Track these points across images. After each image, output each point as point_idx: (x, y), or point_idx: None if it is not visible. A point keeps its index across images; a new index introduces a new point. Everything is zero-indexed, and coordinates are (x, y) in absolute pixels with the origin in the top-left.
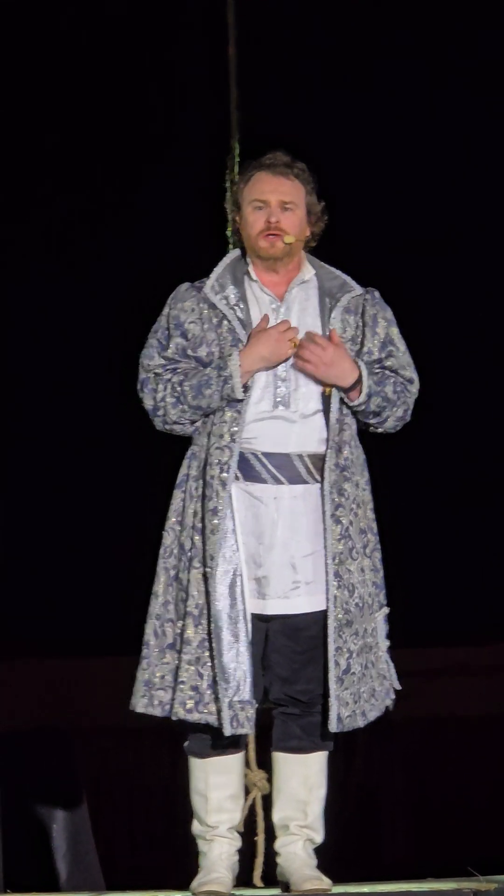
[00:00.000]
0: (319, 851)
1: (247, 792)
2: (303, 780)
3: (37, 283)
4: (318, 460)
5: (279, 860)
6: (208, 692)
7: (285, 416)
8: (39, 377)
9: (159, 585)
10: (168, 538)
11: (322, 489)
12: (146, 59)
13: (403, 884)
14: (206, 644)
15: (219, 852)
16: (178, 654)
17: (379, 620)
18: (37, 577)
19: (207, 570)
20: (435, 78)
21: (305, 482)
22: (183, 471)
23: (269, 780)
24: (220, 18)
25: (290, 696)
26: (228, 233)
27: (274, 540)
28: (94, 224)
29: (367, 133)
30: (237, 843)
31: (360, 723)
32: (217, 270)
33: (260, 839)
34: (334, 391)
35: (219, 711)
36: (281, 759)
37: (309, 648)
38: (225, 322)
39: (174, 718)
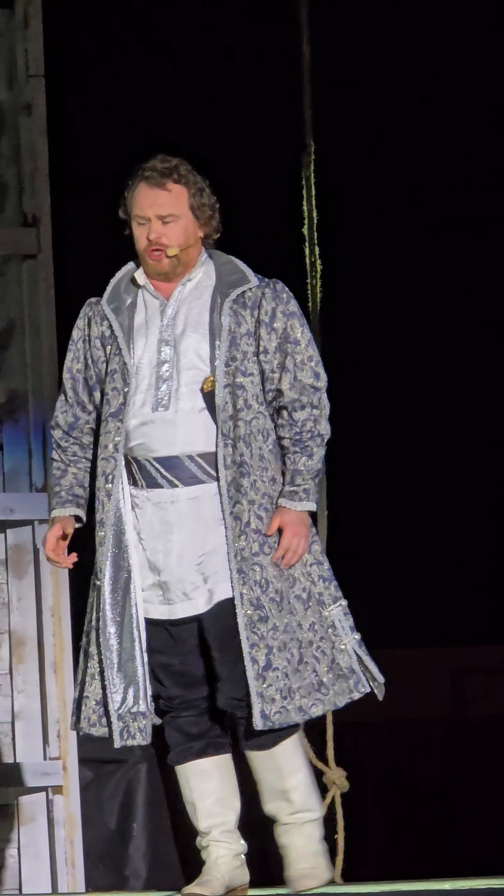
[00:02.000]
0: (393, 841)
1: (325, 790)
2: (277, 773)
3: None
4: (212, 458)
5: (280, 850)
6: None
7: (166, 417)
8: None
9: (88, 604)
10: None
11: (219, 487)
12: (220, 57)
13: (483, 880)
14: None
15: (215, 856)
16: (86, 668)
17: (335, 614)
18: None
19: (97, 582)
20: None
21: (202, 482)
22: None
23: (349, 777)
24: (294, 16)
25: (234, 698)
26: (304, 231)
27: (171, 545)
28: None
29: (437, 129)
30: (236, 845)
31: (296, 718)
32: (113, 281)
33: (340, 837)
34: (216, 385)
35: (109, 724)
36: (251, 757)
37: (225, 644)
38: (112, 332)
39: (81, 734)
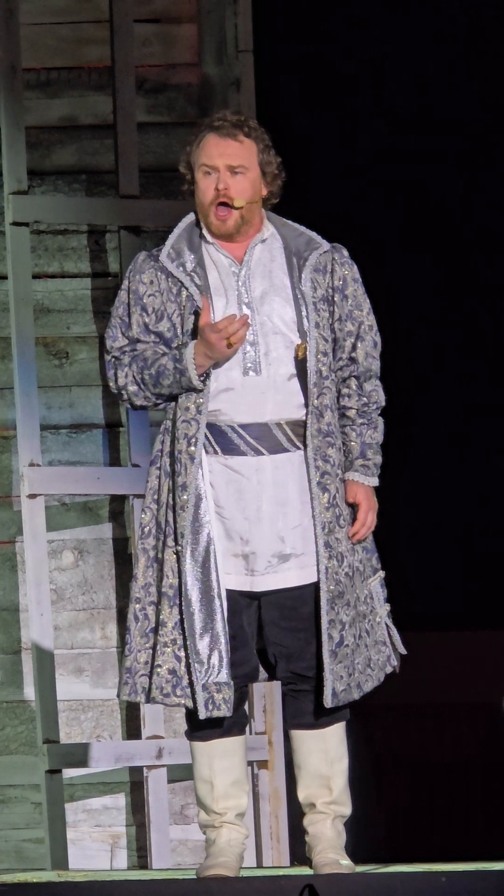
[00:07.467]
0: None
1: None
2: (323, 756)
3: None
4: (298, 427)
5: (307, 838)
6: (186, 675)
7: (257, 382)
8: None
9: (138, 567)
10: (146, 517)
11: (305, 456)
12: (440, 33)
13: None
14: (182, 625)
15: (227, 839)
16: (156, 637)
17: (374, 586)
18: None
19: (179, 548)
20: None
21: (287, 450)
22: (156, 446)
23: None
24: None
25: (297, 674)
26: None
27: (260, 514)
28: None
29: None
30: (244, 830)
31: (356, 695)
32: (172, 237)
33: None
34: (308, 351)
35: (193, 694)
36: (298, 737)
37: (310, 625)
38: (183, 290)
39: (152, 704)
